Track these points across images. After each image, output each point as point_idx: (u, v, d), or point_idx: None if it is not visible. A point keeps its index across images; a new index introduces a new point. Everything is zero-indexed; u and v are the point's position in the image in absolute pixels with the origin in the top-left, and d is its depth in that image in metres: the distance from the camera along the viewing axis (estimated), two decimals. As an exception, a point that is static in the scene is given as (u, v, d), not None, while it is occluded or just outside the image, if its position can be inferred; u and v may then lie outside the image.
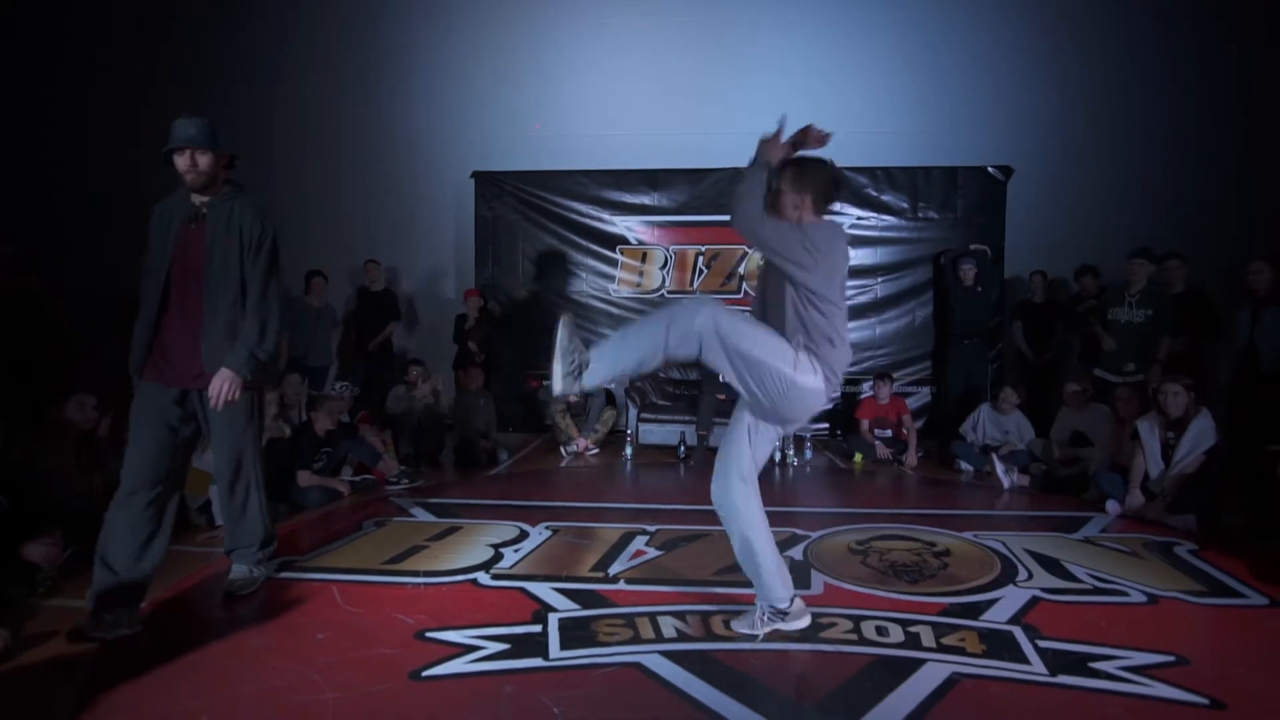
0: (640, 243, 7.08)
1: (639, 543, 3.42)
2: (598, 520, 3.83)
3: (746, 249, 6.77)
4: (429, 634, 2.41)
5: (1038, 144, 6.85)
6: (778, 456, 5.56)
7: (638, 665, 2.21)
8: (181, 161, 2.51)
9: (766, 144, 2.24)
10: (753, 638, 2.39)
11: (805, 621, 2.44)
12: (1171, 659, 2.26)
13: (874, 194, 6.82)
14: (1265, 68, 6.55)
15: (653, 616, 2.55)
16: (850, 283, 6.70)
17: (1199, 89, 6.71)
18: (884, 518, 3.97)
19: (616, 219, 7.08)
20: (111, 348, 2.63)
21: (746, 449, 2.39)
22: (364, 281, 6.92)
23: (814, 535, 3.56)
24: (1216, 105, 6.68)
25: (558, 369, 2.21)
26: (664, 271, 7.09)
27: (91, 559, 2.45)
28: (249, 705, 1.99)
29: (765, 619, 2.40)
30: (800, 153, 2.33)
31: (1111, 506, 4.11)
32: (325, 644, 2.35)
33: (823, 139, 2.30)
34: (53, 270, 5.57)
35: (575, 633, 2.43)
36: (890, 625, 2.50)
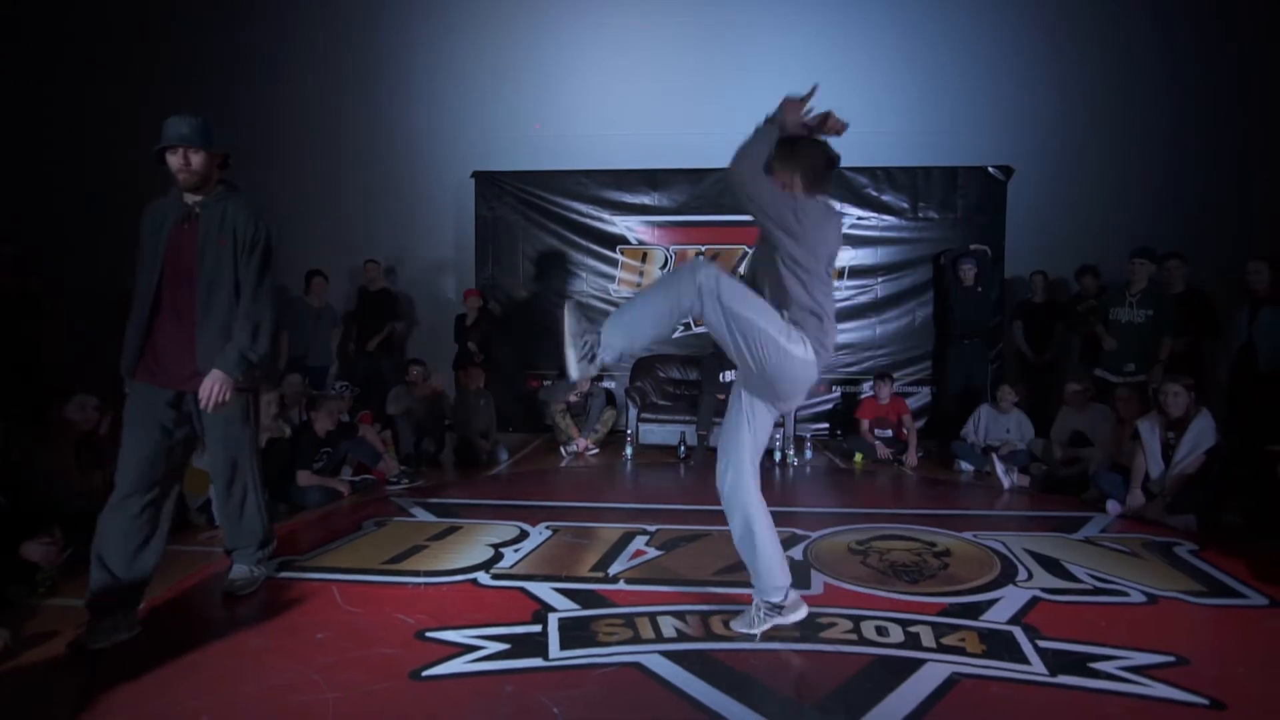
0: (640, 243, 7.08)
1: (639, 543, 3.42)
2: (598, 520, 3.83)
3: (746, 248, 6.77)
4: (429, 634, 2.41)
5: (1038, 144, 6.85)
6: (778, 456, 5.57)
7: (637, 665, 2.21)
8: (174, 160, 2.47)
9: (791, 104, 2.23)
10: (751, 637, 2.40)
11: (801, 614, 2.44)
12: (1171, 659, 2.26)
13: (874, 194, 6.82)
14: (1265, 68, 6.55)
15: (653, 616, 2.55)
16: (850, 283, 6.86)
17: (1199, 89, 6.71)
18: (884, 518, 3.97)
19: (617, 219, 7.08)
20: (112, 348, 2.61)
21: (746, 433, 2.40)
22: (364, 281, 6.93)
23: (814, 535, 3.56)
24: (1216, 105, 6.68)
25: (570, 355, 2.20)
26: (664, 271, 7.09)
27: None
28: (249, 705, 1.99)
29: (762, 616, 2.41)
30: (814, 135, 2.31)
31: (1111, 506, 4.11)
32: (325, 644, 2.35)
33: (840, 129, 2.29)
34: (53, 270, 5.57)
35: (575, 633, 2.43)
36: (890, 625, 2.50)
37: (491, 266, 7.17)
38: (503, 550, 3.30)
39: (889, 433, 5.74)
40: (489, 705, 1.99)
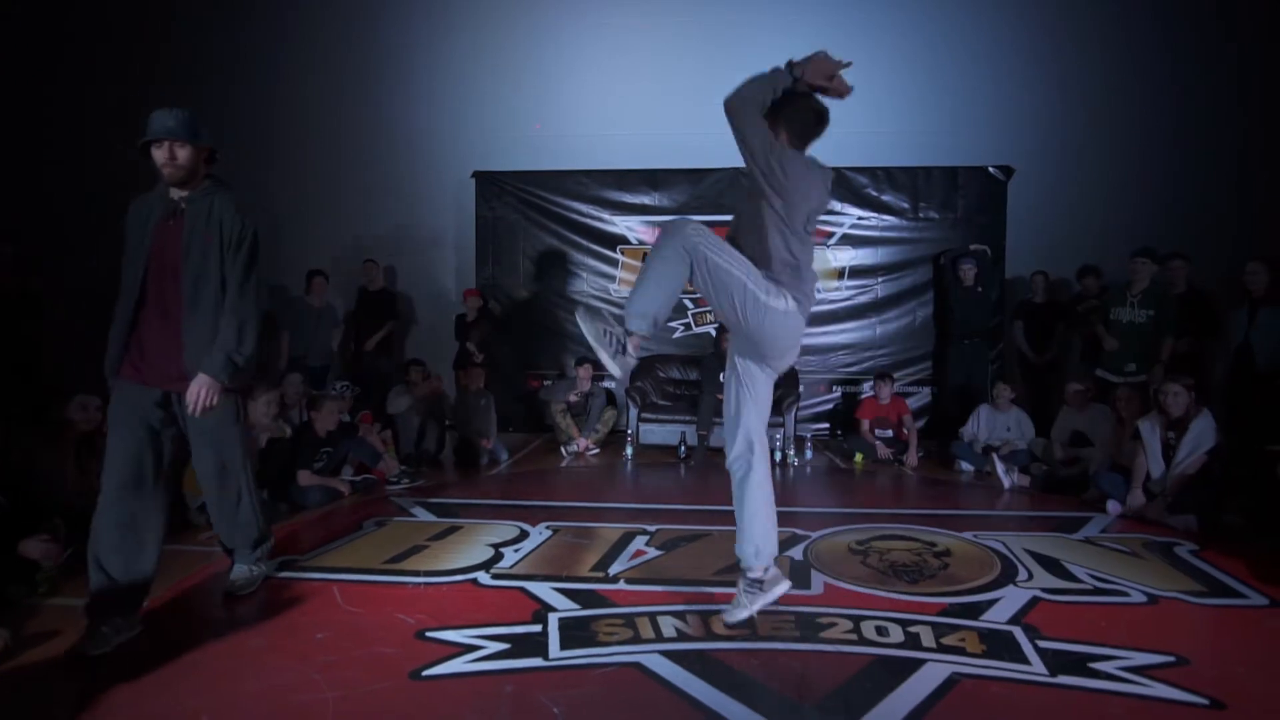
0: (641, 243, 7.08)
1: (639, 543, 3.42)
2: (598, 520, 3.83)
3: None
4: (429, 633, 2.41)
5: (1038, 144, 6.85)
6: (778, 456, 5.56)
7: (637, 665, 2.21)
8: (159, 154, 2.40)
9: (823, 63, 2.22)
10: (748, 625, 2.43)
11: (782, 589, 2.47)
12: (1171, 659, 2.26)
13: (874, 194, 6.82)
14: (1265, 68, 6.55)
15: (653, 616, 2.55)
16: (850, 282, 6.86)
17: (1199, 89, 6.71)
18: (884, 518, 3.97)
19: (617, 219, 7.08)
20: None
21: (748, 400, 2.44)
22: (364, 281, 6.93)
23: (814, 535, 3.56)
24: (1216, 105, 6.67)
25: (604, 358, 2.27)
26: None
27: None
28: (249, 704, 1.99)
29: (745, 598, 2.43)
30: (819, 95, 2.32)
31: (1112, 506, 4.10)
32: (325, 643, 2.35)
33: (845, 91, 2.30)
34: (53, 270, 5.57)
35: (575, 632, 2.44)
36: (890, 625, 2.50)
37: (492, 266, 7.17)
38: (503, 550, 3.30)
39: (889, 433, 5.74)
40: (489, 705, 1.99)
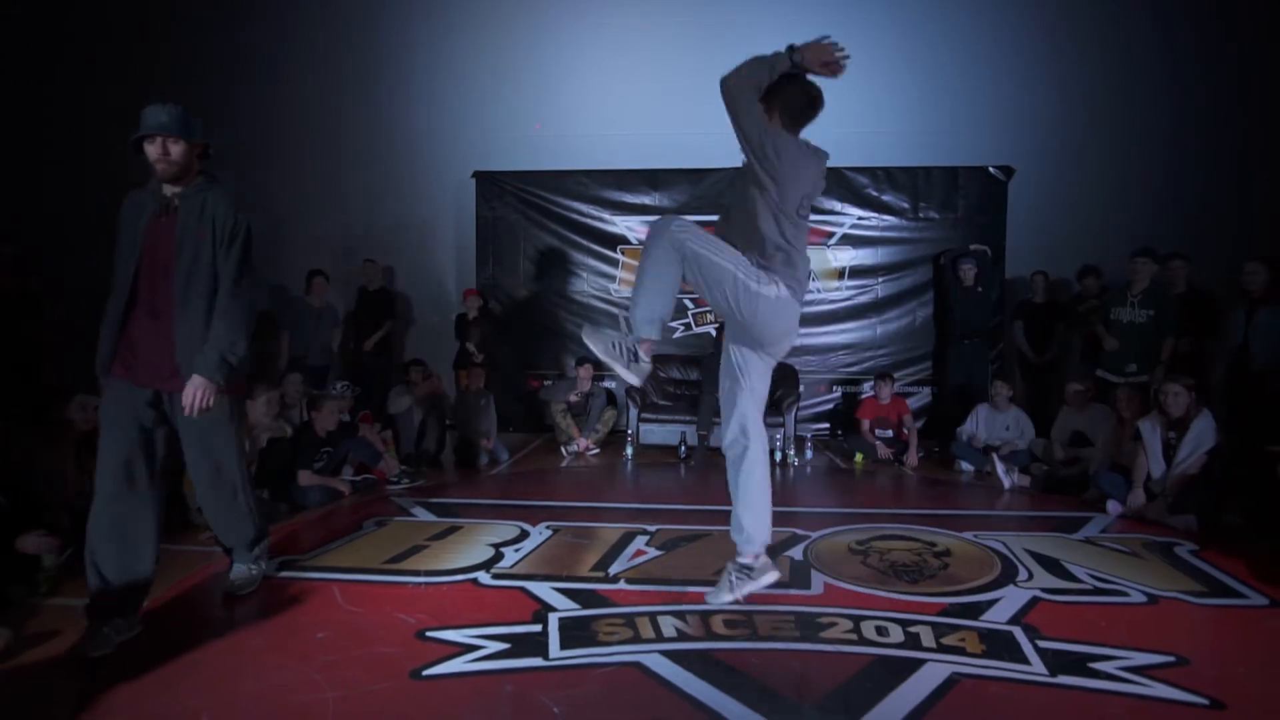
0: (641, 243, 7.07)
1: (639, 542, 3.42)
2: (598, 520, 3.83)
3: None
4: (429, 633, 2.41)
5: (1038, 144, 6.84)
6: (778, 456, 5.57)
7: (638, 665, 2.21)
8: (152, 150, 2.37)
9: (822, 48, 2.25)
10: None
11: (770, 578, 2.48)
12: (1171, 659, 2.26)
13: (874, 194, 6.82)
14: (1265, 68, 6.55)
15: (653, 616, 2.55)
16: (850, 283, 6.86)
17: (1199, 89, 6.71)
18: (884, 518, 3.97)
19: (617, 219, 7.08)
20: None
21: (743, 388, 2.45)
22: (363, 281, 6.92)
23: (814, 535, 3.56)
24: (1216, 105, 6.67)
25: (618, 369, 2.28)
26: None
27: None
28: (249, 704, 1.99)
29: (734, 580, 2.45)
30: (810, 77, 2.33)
31: (1112, 507, 4.10)
32: (326, 643, 2.35)
33: (837, 72, 2.30)
34: (53, 270, 5.57)
35: (575, 632, 2.44)
36: (890, 625, 2.50)
37: (492, 266, 7.17)
38: (503, 550, 3.30)
39: (889, 433, 5.74)
40: (489, 705, 1.99)
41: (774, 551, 3.19)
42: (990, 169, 6.73)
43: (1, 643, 2.28)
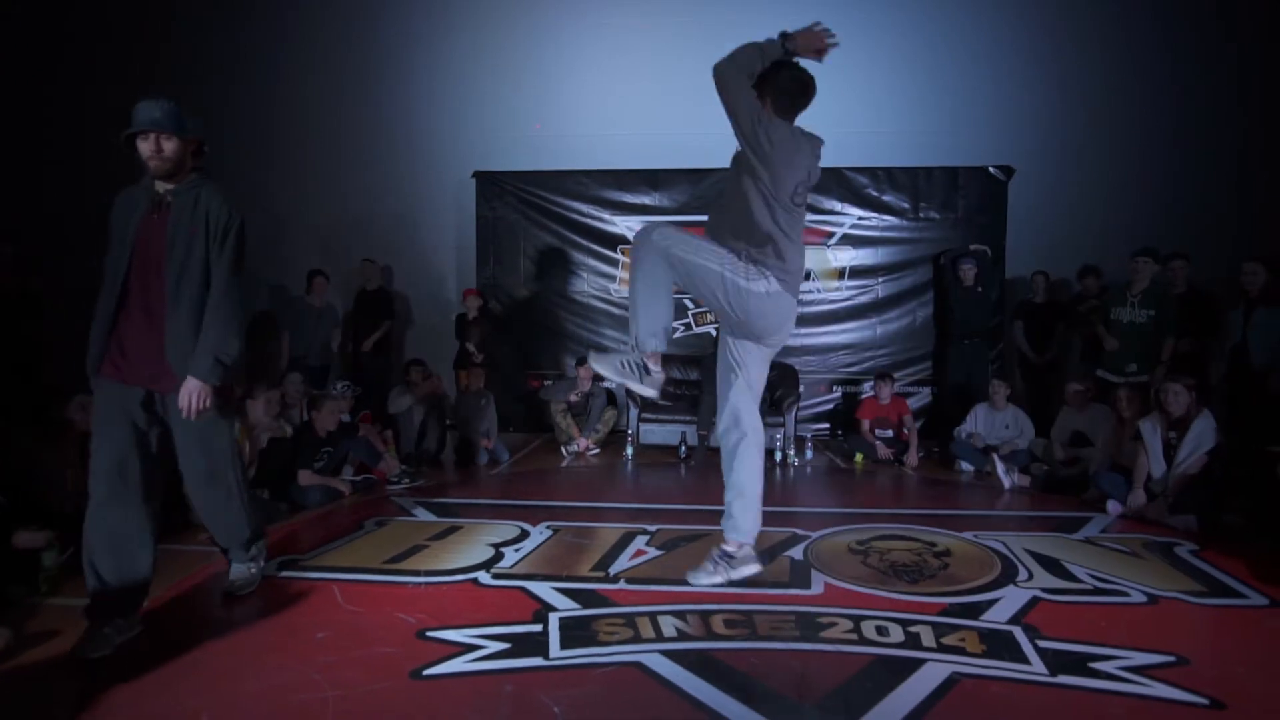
0: (640, 243, 7.07)
1: (639, 542, 3.42)
2: (598, 520, 3.83)
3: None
4: (429, 633, 2.41)
5: (1038, 144, 6.85)
6: (778, 456, 5.57)
7: (638, 665, 2.21)
8: (145, 147, 2.33)
9: (814, 35, 2.24)
10: (718, 584, 2.52)
11: (749, 570, 2.53)
12: (1171, 659, 2.26)
13: (875, 194, 6.82)
14: (1265, 68, 6.55)
15: (653, 616, 2.55)
16: (851, 283, 6.86)
17: (1199, 89, 6.71)
18: (884, 518, 3.96)
19: (617, 219, 7.09)
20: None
21: (735, 378, 2.47)
22: (362, 281, 6.92)
23: (814, 535, 3.56)
24: (1216, 105, 6.68)
25: (633, 386, 2.31)
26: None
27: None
28: (249, 704, 1.99)
29: (713, 565, 2.51)
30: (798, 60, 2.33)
31: (1112, 507, 4.10)
32: (326, 643, 2.35)
33: (822, 52, 2.30)
34: (53, 270, 5.57)
35: (575, 632, 2.43)
36: (890, 625, 2.50)
37: (492, 266, 7.18)
38: (503, 550, 3.30)
39: (890, 433, 5.74)
40: (489, 704, 1.99)
41: (774, 551, 3.21)
42: (990, 169, 6.73)
43: (1, 643, 2.28)
